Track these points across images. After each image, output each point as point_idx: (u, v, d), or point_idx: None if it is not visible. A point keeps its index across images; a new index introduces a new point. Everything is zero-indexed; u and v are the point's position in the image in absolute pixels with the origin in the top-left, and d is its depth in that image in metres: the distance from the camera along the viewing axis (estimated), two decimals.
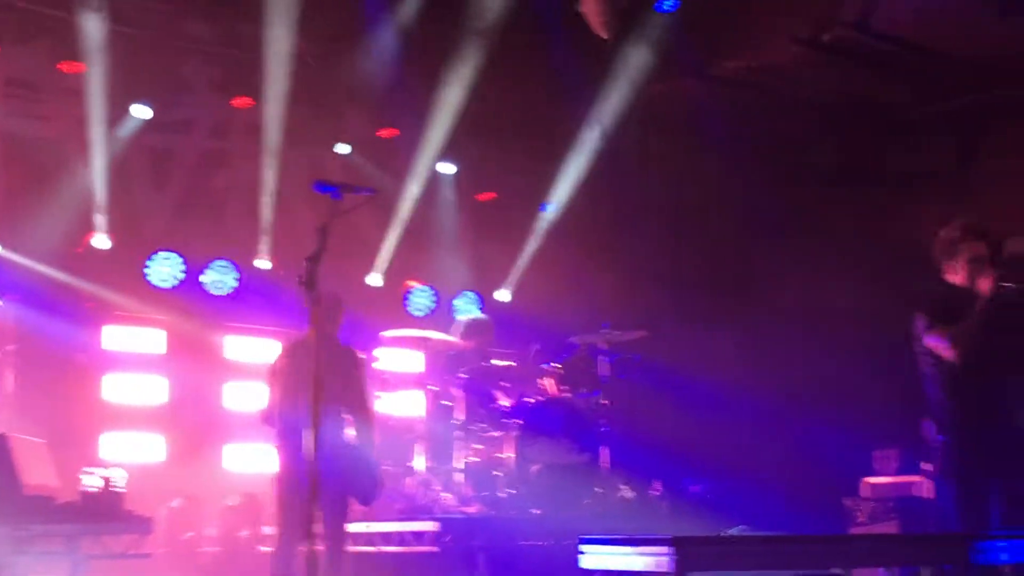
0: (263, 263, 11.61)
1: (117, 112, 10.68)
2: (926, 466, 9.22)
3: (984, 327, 6.20)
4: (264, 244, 11.56)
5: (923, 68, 11.07)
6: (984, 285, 6.23)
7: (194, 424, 11.16)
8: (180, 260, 11.16)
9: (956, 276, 6.42)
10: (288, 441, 7.71)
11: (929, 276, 6.65)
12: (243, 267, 11.54)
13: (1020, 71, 11.03)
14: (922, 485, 9.69)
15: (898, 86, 11.48)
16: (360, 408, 8.13)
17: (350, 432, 8.13)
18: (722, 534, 6.87)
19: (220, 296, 11.45)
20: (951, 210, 11.35)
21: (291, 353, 7.89)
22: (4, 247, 10.27)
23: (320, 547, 8.16)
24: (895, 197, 11.74)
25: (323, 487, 7.93)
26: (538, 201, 12.58)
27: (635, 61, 11.11)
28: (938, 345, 6.29)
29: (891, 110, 11.90)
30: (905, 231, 11.62)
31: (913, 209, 11.69)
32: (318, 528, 8.22)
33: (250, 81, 10.97)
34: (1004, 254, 6.34)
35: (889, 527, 8.94)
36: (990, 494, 6.31)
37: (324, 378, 7.89)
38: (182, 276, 11.17)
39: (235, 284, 11.50)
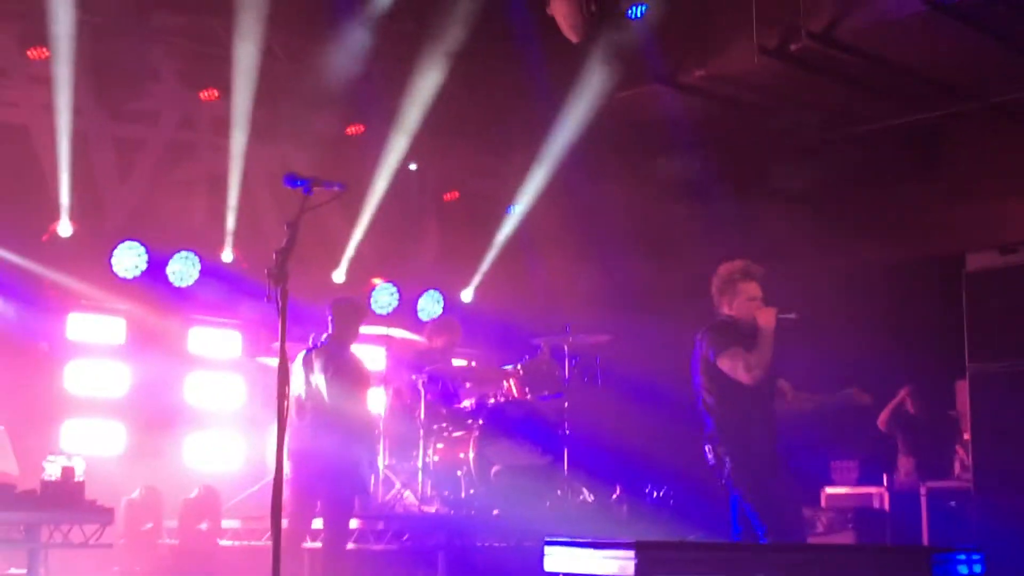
0: (227, 255, 11.57)
1: (83, 101, 10.59)
2: None
3: (772, 354, 6.95)
4: (228, 237, 11.52)
5: (886, 81, 11.19)
6: (765, 319, 6.93)
7: (155, 415, 11.11)
8: (144, 250, 11.09)
9: (731, 310, 7.14)
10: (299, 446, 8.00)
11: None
12: (206, 259, 11.49)
13: (978, 87, 11.20)
14: (880, 497, 9.82)
15: (861, 98, 11.59)
16: (366, 419, 8.53)
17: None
18: (683, 540, 6.93)
19: (183, 287, 11.38)
20: (913, 221, 11.63)
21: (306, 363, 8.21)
22: None
23: (319, 545, 8.33)
24: (857, 209, 11.86)
25: (322, 490, 8.11)
26: (504, 202, 12.61)
27: (604, 66, 11.15)
28: (735, 369, 6.92)
29: (854, 122, 12.02)
30: (865, 242, 11.79)
31: (875, 221, 11.84)
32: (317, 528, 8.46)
33: (218, 74, 10.92)
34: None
35: (845, 537, 9.05)
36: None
37: (336, 386, 8.10)
38: (145, 266, 11.10)
39: (198, 275, 11.43)
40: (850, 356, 11.23)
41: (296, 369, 8.24)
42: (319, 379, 8.14)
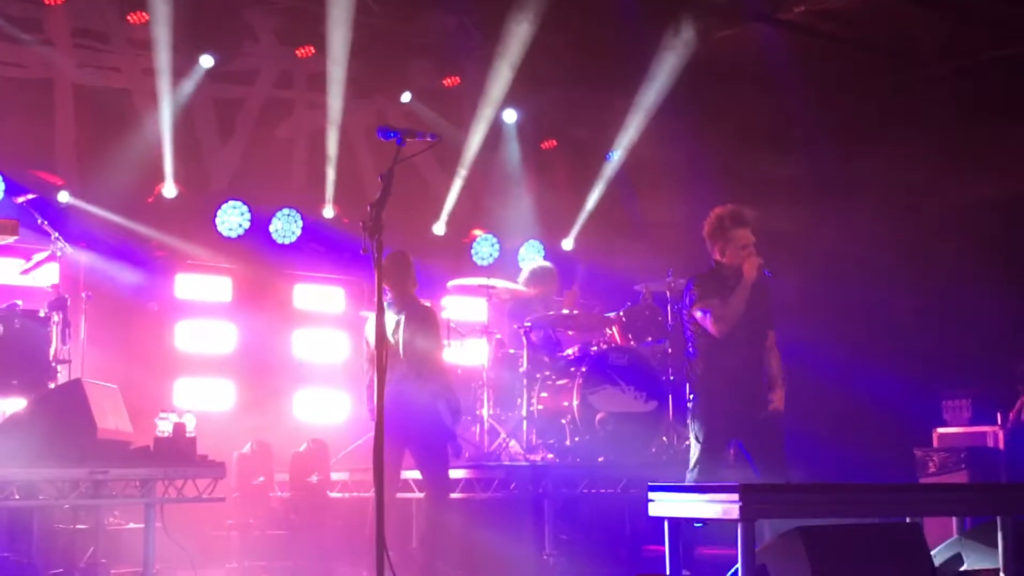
0: (328, 211, 11.69)
1: (183, 63, 10.76)
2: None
3: (745, 307, 6.97)
4: (329, 193, 11.63)
5: (993, 9, 10.84)
6: (748, 270, 6.96)
7: (263, 371, 11.32)
8: (246, 209, 11.25)
9: (723, 257, 7.10)
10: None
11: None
12: (308, 215, 11.62)
13: None
14: (994, 435, 9.60)
15: (968, 29, 11.25)
16: (437, 364, 8.36)
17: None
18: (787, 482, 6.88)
19: (286, 244, 11.53)
20: (1018, 156, 11.27)
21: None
22: (76, 196, 10.43)
23: (421, 495, 8.39)
24: (965, 143, 11.53)
25: (410, 439, 8.14)
26: (602, 149, 12.52)
27: (701, 6, 10.99)
28: (704, 319, 7.02)
29: (961, 53, 11.67)
30: (975, 178, 11.47)
31: (985, 156, 11.50)
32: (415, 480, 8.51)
33: (313, 30, 11.00)
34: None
35: (959, 477, 8.88)
36: (727, 451, 7.42)
37: (409, 336, 8.13)
38: (248, 225, 11.26)
39: (300, 232, 11.58)
40: (961, 294, 10.99)
41: (371, 327, 8.25)
42: (393, 331, 8.13)
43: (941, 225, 11.46)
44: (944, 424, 10.24)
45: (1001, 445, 9.49)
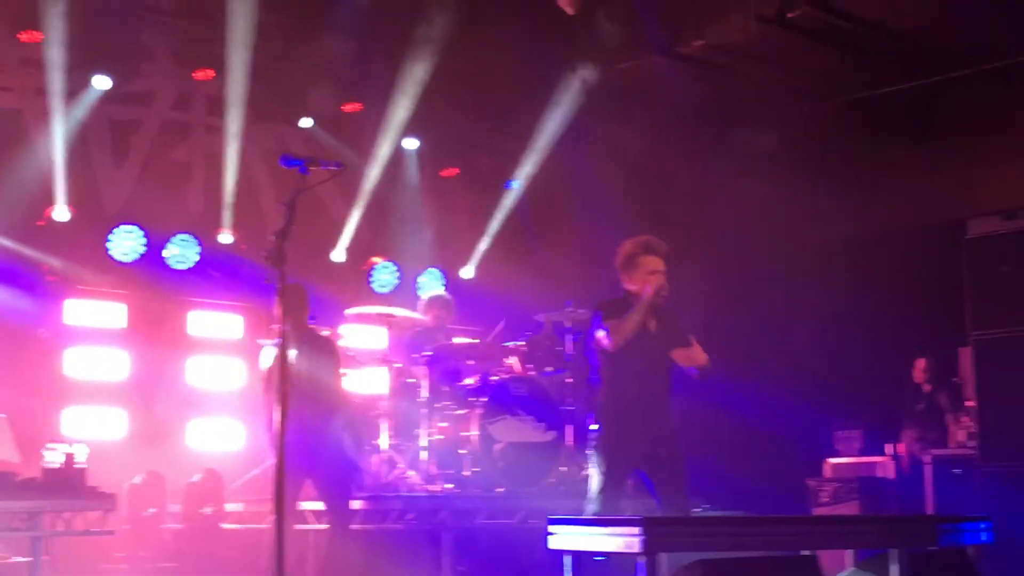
0: (225, 237, 11.51)
1: (77, 83, 10.54)
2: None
3: (642, 328, 6.96)
4: (226, 218, 11.46)
5: (882, 47, 11.12)
6: (648, 290, 6.98)
7: (156, 400, 11.07)
8: (142, 234, 11.04)
9: (633, 285, 7.10)
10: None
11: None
12: (205, 241, 11.44)
13: (972, 52, 11.12)
14: (884, 466, 9.80)
15: (856, 65, 11.52)
16: (339, 395, 8.29)
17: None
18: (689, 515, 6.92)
19: (182, 270, 11.34)
20: (910, 188, 11.55)
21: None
22: None
23: (323, 527, 8.28)
24: (858, 176, 11.79)
25: (312, 471, 8.02)
26: (503, 178, 12.54)
27: (601, 38, 11.07)
28: (603, 338, 7.02)
29: (850, 89, 11.95)
30: (871, 210, 11.75)
31: (873, 190, 11.78)
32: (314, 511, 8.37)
33: (212, 53, 10.85)
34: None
35: (850, 507, 9.03)
36: (627, 481, 7.26)
37: (308, 369, 8.00)
38: (143, 250, 11.05)
39: (197, 258, 11.39)
40: (850, 326, 11.20)
41: (265, 356, 8.15)
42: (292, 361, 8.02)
43: (827, 257, 11.68)
44: (836, 455, 10.41)
45: (892, 476, 9.68)
